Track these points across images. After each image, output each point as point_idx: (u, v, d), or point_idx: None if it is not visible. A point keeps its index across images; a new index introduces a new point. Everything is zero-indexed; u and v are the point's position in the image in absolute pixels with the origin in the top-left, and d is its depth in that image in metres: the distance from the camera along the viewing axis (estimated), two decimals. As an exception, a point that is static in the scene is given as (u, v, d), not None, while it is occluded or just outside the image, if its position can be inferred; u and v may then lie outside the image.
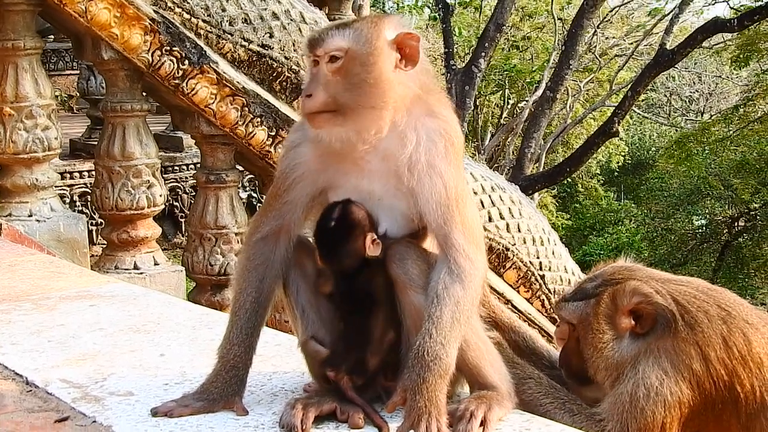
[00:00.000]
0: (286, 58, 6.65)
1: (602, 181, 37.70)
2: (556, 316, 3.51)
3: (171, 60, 6.44)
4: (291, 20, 6.69)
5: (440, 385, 2.73)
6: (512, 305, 7.35)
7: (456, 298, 2.80)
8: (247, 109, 6.60)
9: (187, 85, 6.50)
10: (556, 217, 34.38)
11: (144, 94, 6.81)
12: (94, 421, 2.99)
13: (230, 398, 2.99)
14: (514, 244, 7.33)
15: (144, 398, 3.14)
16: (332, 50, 2.83)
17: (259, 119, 6.62)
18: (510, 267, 7.36)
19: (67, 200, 11.06)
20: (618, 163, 37.06)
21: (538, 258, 7.48)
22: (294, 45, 6.68)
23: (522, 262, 7.39)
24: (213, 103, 6.56)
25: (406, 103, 2.86)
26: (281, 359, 3.47)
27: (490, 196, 7.28)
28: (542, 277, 7.51)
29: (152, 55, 6.43)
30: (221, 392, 2.99)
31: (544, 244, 7.56)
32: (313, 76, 2.86)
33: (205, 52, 6.49)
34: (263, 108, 6.59)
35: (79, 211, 10.79)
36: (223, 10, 6.50)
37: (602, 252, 30.61)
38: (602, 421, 3.09)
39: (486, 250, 7.60)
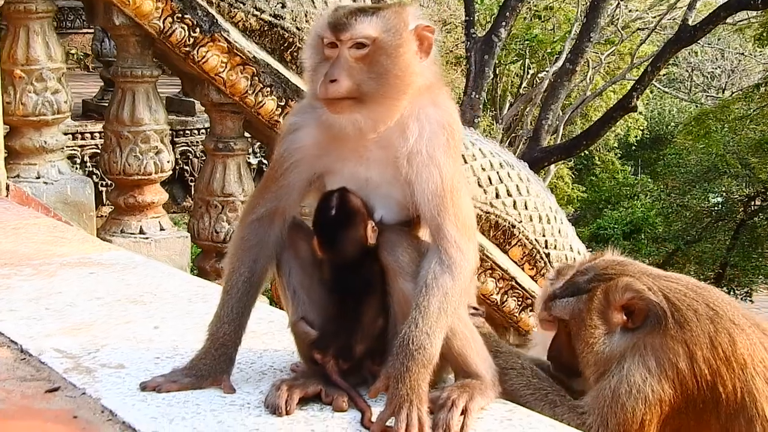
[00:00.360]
0: (297, 28, 6.66)
1: (619, 155, 37.62)
2: (539, 316, 3.52)
3: (182, 27, 6.47)
4: (303, -10, 6.70)
5: (423, 374, 2.77)
6: (516, 282, 7.40)
7: (445, 288, 2.83)
8: (257, 78, 6.64)
9: (197, 53, 6.53)
10: (572, 189, 34.37)
11: (155, 60, 6.84)
12: (84, 393, 3.04)
13: (218, 376, 3.04)
14: (521, 222, 7.36)
15: (135, 371, 3.20)
16: (359, 37, 2.83)
17: (269, 89, 6.65)
18: (515, 244, 7.39)
19: (78, 161, 11.15)
20: (636, 137, 36.95)
21: (543, 236, 7.51)
22: (306, 16, 6.69)
23: (527, 239, 7.42)
24: (223, 71, 6.59)
25: (415, 94, 2.88)
26: (273, 337, 3.51)
27: (498, 172, 7.30)
28: (547, 255, 7.54)
29: (163, 22, 6.46)
30: (210, 369, 3.04)
31: (551, 222, 7.58)
32: (335, 61, 2.85)
33: (217, 20, 6.52)
34: (273, 78, 6.62)
35: (89, 172, 10.89)
36: (236, -22, 6.53)
37: (617, 226, 30.64)
38: (584, 414, 3.13)
39: (492, 227, 7.56)
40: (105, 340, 3.52)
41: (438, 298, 2.82)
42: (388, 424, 2.72)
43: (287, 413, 2.84)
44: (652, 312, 3.19)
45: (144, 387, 3.03)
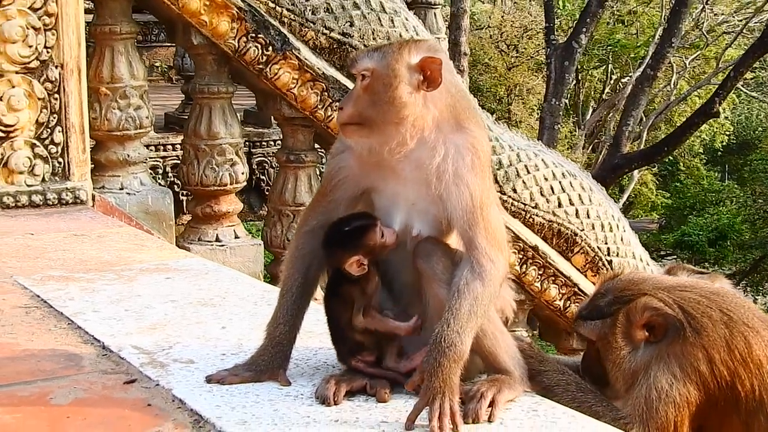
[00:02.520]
0: (365, 46, 7.05)
1: (705, 161, 37.28)
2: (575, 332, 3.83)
3: (256, 46, 6.91)
4: (371, 10, 7.10)
5: (454, 368, 3.08)
6: (579, 288, 7.68)
7: (475, 293, 3.15)
8: (326, 93, 7.06)
9: (270, 70, 6.97)
10: (656, 195, 34.21)
11: (230, 77, 7.29)
12: (158, 384, 3.44)
13: (275, 370, 3.40)
14: (583, 230, 7.65)
15: (203, 366, 3.58)
16: (361, 69, 3.21)
17: (337, 104, 7.06)
18: (578, 251, 7.68)
19: (161, 171, 11.65)
20: (722, 142, 36.57)
21: (606, 244, 7.78)
22: (373, 33, 7.09)
23: (590, 247, 7.70)
24: (294, 87, 7.03)
25: (429, 120, 3.20)
26: (328, 336, 3.85)
27: (560, 182, 7.59)
28: (609, 262, 7.81)
29: (239, 42, 6.91)
30: (267, 364, 3.41)
31: (613, 231, 7.84)
32: (351, 91, 3.27)
33: (288, 39, 6.95)
34: (342, 93, 7.01)
35: (171, 182, 11.38)
36: (307, -1, 6.96)
37: (702, 232, 30.39)
38: (627, 423, 3.43)
39: (555, 235, 7.87)
40: (177, 338, 3.92)
41: (469, 302, 3.14)
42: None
43: (335, 403, 3.19)
44: (670, 324, 3.49)
45: (209, 379, 3.41)
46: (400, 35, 7.17)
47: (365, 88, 3.20)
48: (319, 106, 7.07)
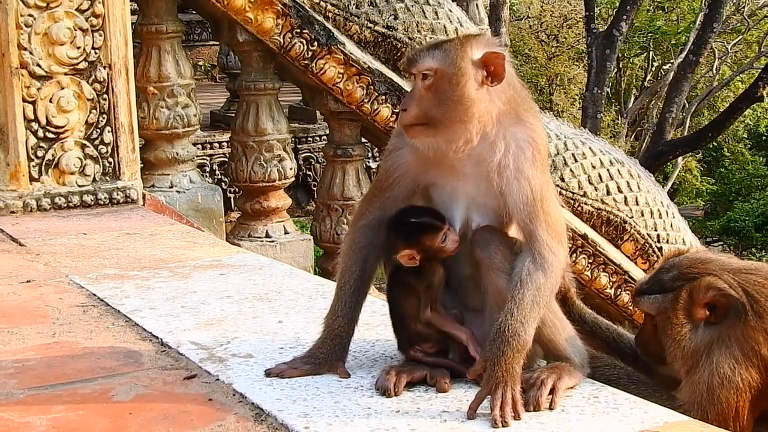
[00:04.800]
0: (409, 38, 7.05)
1: (750, 146, 36.92)
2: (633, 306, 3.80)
3: (301, 42, 6.92)
4: (415, 2, 7.10)
5: (517, 358, 3.07)
6: (629, 276, 7.62)
7: (537, 284, 3.14)
8: (372, 87, 7.05)
9: (315, 65, 6.97)
10: (701, 181, 33.94)
11: (276, 73, 7.30)
12: (218, 379, 3.45)
13: (334, 363, 3.39)
14: (632, 217, 7.59)
15: (261, 360, 3.58)
16: (423, 69, 3.15)
17: (383, 97, 7.06)
18: (627, 239, 7.62)
19: (207, 169, 11.73)
20: (766, 126, 36.26)
21: (655, 230, 7.72)
22: (417, 26, 7.07)
23: (639, 234, 7.65)
24: (340, 81, 7.03)
25: (493, 115, 3.17)
26: (385, 328, 3.84)
27: (608, 170, 7.55)
28: (660, 249, 7.75)
29: (283, 38, 6.92)
30: (326, 357, 3.41)
31: (663, 217, 7.79)
32: (411, 91, 3.22)
33: (333, 33, 6.95)
34: (387, 86, 7.01)
35: (218, 180, 11.46)
36: (351, -7, 6.96)
37: (748, 218, 30.12)
38: (686, 412, 3.39)
39: (604, 222, 7.82)
40: (235, 333, 3.92)
41: (531, 292, 3.12)
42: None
43: (396, 394, 3.18)
44: (733, 306, 3.45)
45: (269, 373, 3.41)
46: (445, 27, 7.15)
47: (428, 88, 3.16)
48: (365, 100, 7.06)
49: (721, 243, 30.97)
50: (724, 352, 3.40)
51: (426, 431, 2.94)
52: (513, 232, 3.33)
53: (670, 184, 29.46)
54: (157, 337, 3.94)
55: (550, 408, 3.09)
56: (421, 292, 3.29)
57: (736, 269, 3.54)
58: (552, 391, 3.13)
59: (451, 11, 7.27)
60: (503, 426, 2.94)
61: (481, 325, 3.32)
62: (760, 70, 23.52)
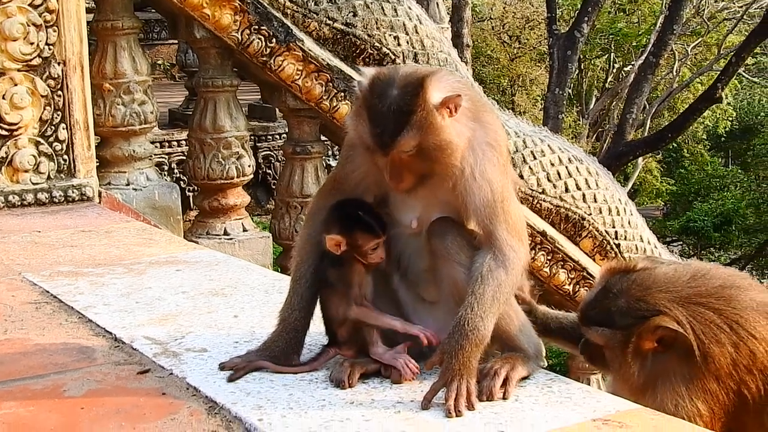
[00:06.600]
0: (368, 35, 7.04)
1: (709, 146, 37.30)
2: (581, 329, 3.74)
3: (259, 38, 6.89)
4: (373, -1, 7.09)
5: (475, 352, 3.07)
6: (587, 273, 7.66)
7: (498, 280, 3.14)
8: (331, 84, 7.03)
9: (274, 62, 6.95)
10: (661, 182, 34.23)
11: (234, 70, 7.27)
12: (171, 373, 3.42)
13: (289, 356, 3.37)
14: (590, 214, 7.64)
15: (216, 354, 3.56)
16: (405, 150, 3.07)
17: (342, 94, 7.05)
18: (586, 236, 7.66)
19: (166, 168, 11.67)
20: (725, 128, 36.57)
21: (613, 227, 7.77)
22: (377, 23, 7.06)
23: (597, 231, 7.69)
24: (299, 78, 7.01)
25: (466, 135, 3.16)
26: (341, 322, 3.86)
27: (567, 167, 7.59)
28: (618, 245, 7.80)
29: (242, 34, 6.89)
30: (282, 350, 3.38)
31: (620, 214, 7.84)
32: (391, 166, 3.11)
33: (292, 30, 6.93)
34: (347, 83, 6.99)
35: (176, 179, 11.41)
36: (309, -10, 6.94)
37: (707, 218, 30.43)
38: None
39: (562, 219, 7.83)
40: (189, 328, 3.90)
41: (492, 288, 3.13)
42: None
43: (350, 386, 3.18)
44: (679, 341, 3.46)
45: (223, 367, 3.38)
46: (404, 24, 7.14)
47: (410, 158, 3.10)
48: (324, 97, 7.05)
49: (681, 243, 31.26)
50: (668, 389, 3.41)
51: (380, 421, 2.93)
52: (472, 226, 3.32)
53: (630, 184, 29.67)
54: (110, 333, 3.90)
55: (504, 398, 3.09)
56: (343, 291, 3.29)
57: (686, 298, 3.47)
58: (505, 382, 3.14)
59: (410, 8, 7.27)
60: (457, 416, 2.95)
61: (436, 316, 3.33)
62: (719, 72, 23.70)
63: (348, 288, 3.29)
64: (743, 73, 32.70)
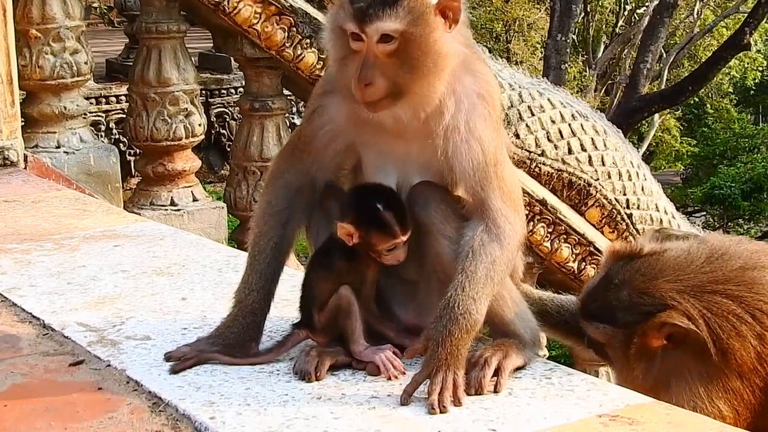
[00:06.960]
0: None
1: (736, 101, 37.34)
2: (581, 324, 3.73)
3: (211, -25, 6.85)
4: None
5: (465, 339, 3.07)
6: (595, 247, 7.67)
7: (492, 256, 3.14)
8: (294, 29, 7.01)
9: (228, 4, 6.90)
10: (681, 143, 34.28)
11: (182, 13, 7.23)
12: (109, 365, 3.43)
13: (246, 344, 3.37)
14: (597, 179, 7.63)
15: (161, 343, 3.57)
16: (386, 31, 3.04)
17: (308, 41, 7.02)
18: (593, 205, 7.66)
19: (103, 128, 11.64)
20: (754, 79, 36.61)
21: (624, 194, 7.77)
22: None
23: (606, 199, 7.69)
24: (257, 23, 6.97)
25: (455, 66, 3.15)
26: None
27: (570, 125, 7.57)
28: (629, 216, 7.80)
29: (189, -30, 6.86)
30: (237, 337, 3.38)
31: (632, 179, 7.83)
32: (364, 61, 3.08)
33: (249, -35, 6.89)
34: (313, 28, 6.96)
35: (115, 140, 11.39)
36: None
37: (734, 184, 30.43)
38: None
39: (565, 186, 7.85)
40: (130, 312, 3.90)
41: (485, 265, 3.13)
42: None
43: (317, 379, 3.19)
44: (692, 338, 3.46)
45: (169, 357, 3.39)
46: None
47: (391, 53, 3.08)
48: (287, 44, 7.02)
49: (704, 213, 31.30)
50: (683, 389, 3.42)
51: (352, 419, 2.95)
52: (459, 192, 3.31)
53: (645, 145, 29.72)
54: (38, 319, 3.91)
55: (495, 391, 3.10)
56: (335, 277, 3.29)
57: (698, 287, 3.47)
58: (497, 372, 3.14)
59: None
60: (441, 412, 2.95)
61: (417, 298, 3.34)
62: (746, 15, 23.70)
63: (360, 285, 3.29)
64: (775, 16, 32.73)
